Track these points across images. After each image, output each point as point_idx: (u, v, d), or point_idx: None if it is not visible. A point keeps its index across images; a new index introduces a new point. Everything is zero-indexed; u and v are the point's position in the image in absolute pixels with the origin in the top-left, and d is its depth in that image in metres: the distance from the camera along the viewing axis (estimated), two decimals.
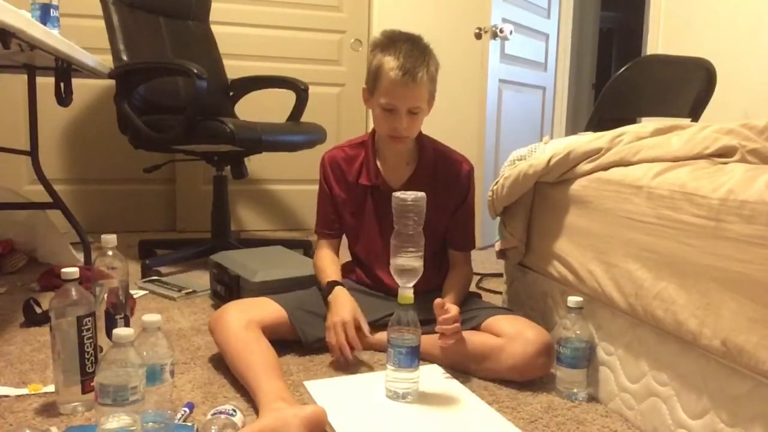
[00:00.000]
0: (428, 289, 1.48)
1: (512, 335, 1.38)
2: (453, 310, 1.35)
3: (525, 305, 1.65)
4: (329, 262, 1.64)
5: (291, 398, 1.18)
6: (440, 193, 1.57)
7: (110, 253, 1.26)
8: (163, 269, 2.28)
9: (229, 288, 1.81)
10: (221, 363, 1.44)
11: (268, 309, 1.49)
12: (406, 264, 1.27)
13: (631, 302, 1.19)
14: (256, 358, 1.29)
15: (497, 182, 1.61)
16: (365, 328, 1.45)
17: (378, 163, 1.62)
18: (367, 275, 1.67)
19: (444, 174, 1.62)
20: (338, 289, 1.52)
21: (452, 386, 1.35)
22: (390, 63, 1.46)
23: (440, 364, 1.45)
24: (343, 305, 1.46)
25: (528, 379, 1.37)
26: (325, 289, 1.55)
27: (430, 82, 1.50)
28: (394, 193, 1.29)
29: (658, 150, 1.30)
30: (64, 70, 2.03)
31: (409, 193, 1.27)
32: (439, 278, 1.63)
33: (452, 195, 1.62)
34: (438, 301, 1.35)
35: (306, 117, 2.63)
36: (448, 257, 1.67)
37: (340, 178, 1.65)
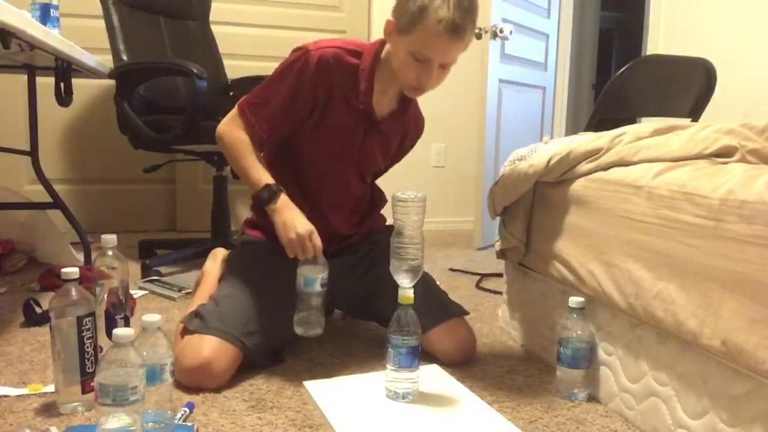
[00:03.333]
0: (350, 235, 1.57)
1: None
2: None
3: (525, 305, 1.65)
4: (254, 155, 1.42)
5: None
6: (400, 135, 1.58)
7: (110, 253, 1.26)
8: (163, 269, 2.28)
9: None
10: None
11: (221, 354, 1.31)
12: (407, 264, 1.27)
13: (631, 302, 1.19)
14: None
15: (497, 182, 1.61)
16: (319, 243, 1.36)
17: (373, 90, 1.45)
18: (312, 213, 1.44)
19: (413, 123, 1.61)
20: (284, 197, 1.38)
21: (452, 386, 1.35)
22: (439, 12, 1.27)
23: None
24: (299, 214, 1.37)
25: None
26: (264, 193, 1.38)
27: (471, 37, 1.37)
28: (394, 193, 1.28)
29: (658, 150, 1.30)
30: (64, 70, 2.03)
31: (410, 193, 1.27)
32: (361, 227, 1.62)
33: (405, 142, 1.63)
34: None
35: None
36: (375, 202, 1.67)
37: (323, 87, 1.41)
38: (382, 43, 1.45)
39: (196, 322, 1.36)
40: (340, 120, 1.46)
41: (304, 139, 1.48)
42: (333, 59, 1.40)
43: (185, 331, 1.37)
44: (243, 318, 1.37)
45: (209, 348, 1.30)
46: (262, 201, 1.39)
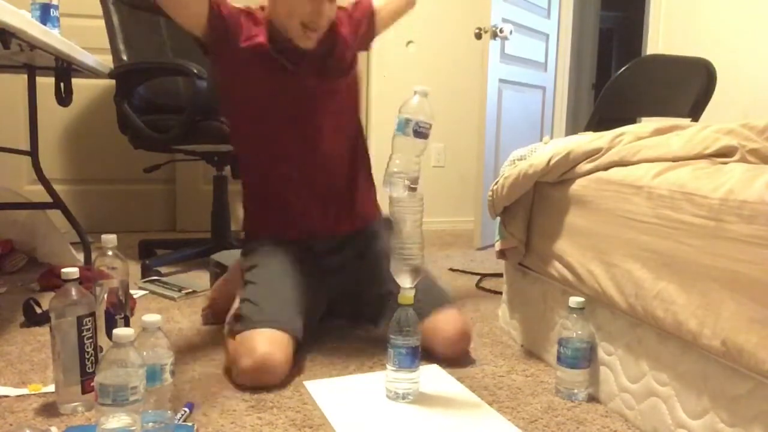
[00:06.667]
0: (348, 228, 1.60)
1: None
2: None
3: (525, 305, 1.65)
4: None
5: None
6: (341, 37, 1.60)
7: (110, 253, 1.26)
8: (163, 269, 2.28)
9: None
10: (221, 362, 1.45)
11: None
12: (408, 264, 1.27)
13: (631, 302, 1.19)
14: None
15: (497, 182, 1.61)
16: None
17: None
18: (286, 220, 1.55)
19: (344, 20, 1.63)
20: None
21: (452, 386, 1.35)
22: None
23: None
24: None
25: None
26: None
27: None
28: (391, 195, 1.28)
29: (658, 150, 1.30)
30: (64, 70, 2.03)
31: (407, 194, 1.27)
32: (356, 212, 1.63)
33: (359, 30, 1.68)
34: None
35: None
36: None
37: (236, 38, 1.49)
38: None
39: (241, 324, 1.38)
40: (260, 72, 1.51)
41: (249, 140, 1.58)
42: (234, 8, 1.51)
43: (232, 335, 1.40)
44: (281, 305, 1.42)
45: (262, 342, 1.32)
46: None
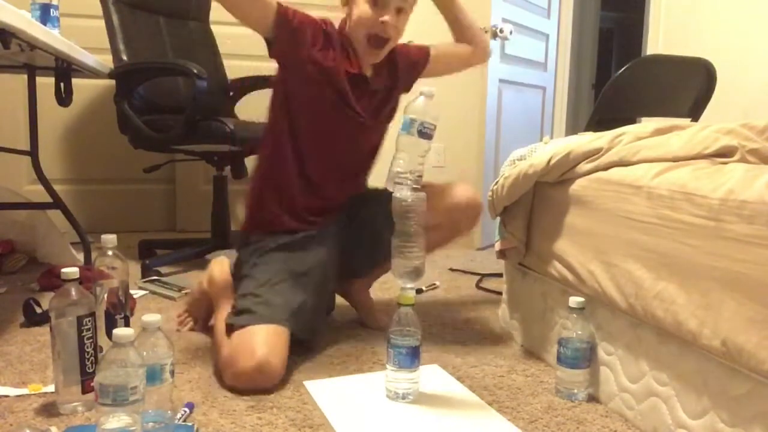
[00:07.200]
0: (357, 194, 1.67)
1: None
2: None
3: (525, 305, 1.65)
4: None
5: None
6: (400, 81, 1.66)
7: (110, 253, 1.26)
8: (163, 269, 2.27)
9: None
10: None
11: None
12: (410, 264, 1.27)
13: (631, 302, 1.19)
14: None
15: (497, 182, 1.61)
16: None
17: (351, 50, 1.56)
18: (316, 197, 1.59)
19: (403, 63, 1.67)
20: None
21: (452, 386, 1.35)
22: None
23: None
24: None
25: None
26: None
27: None
28: (393, 194, 1.28)
29: (658, 150, 1.30)
30: (64, 70, 2.03)
31: (409, 194, 1.27)
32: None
33: (410, 75, 1.72)
34: None
35: None
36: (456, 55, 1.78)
37: (312, 47, 1.50)
38: (342, 25, 1.57)
39: (245, 317, 1.38)
40: (331, 84, 1.53)
41: (301, 134, 1.56)
42: (310, 23, 1.52)
43: (231, 330, 1.39)
44: (286, 300, 1.43)
45: (261, 343, 1.31)
46: None
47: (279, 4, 1.48)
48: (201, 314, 1.69)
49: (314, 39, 1.50)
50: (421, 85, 1.45)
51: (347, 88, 1.53)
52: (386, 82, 1.64)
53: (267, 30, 1.48)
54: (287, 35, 1.48)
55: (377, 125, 1.66)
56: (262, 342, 1.31)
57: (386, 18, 1.47)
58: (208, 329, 1.65)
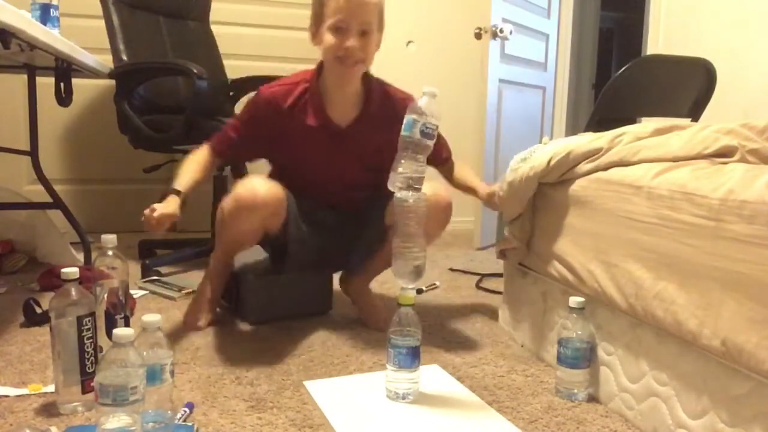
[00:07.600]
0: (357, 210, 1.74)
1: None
2: (488, 188, 1.67)
3: (525, 305, 1.65)
4: (191, 168, 1.66)
5: None
6: (387, 131, 1.56)
7: (110, 253, 1.26)
8: (163, 269, 2.28)
9: (228, 287, 1.81)
10: (221, 362, 1.45)
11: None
12: (411, 264, 1.27)
13: (631, 302, 1.19)
14: None
15: (503, 189, 1.60)
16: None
17: (324, 103, 1.64)
18: (307, 195, 1.72)
19: (391, 113, 1.61)
20: (171, 197, 1.56)
21: (452, 386, 1.35)
22: None
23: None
24: (168, 204, 1.52)
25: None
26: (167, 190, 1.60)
27: (377, 4, 1.56)
28: (395, 195, 1.29)
29: (658, 150, 1.30)
30: (64, 70, 2.03)
31: (410, 194, 1.27)
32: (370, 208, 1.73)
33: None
34: (482, 193, 1.69)
35: None
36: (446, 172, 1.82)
37: (275, 120, 1.64)
38: (320, 64, 1.64)
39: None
40: (304, 139, 1.65)
41: (283, 161, 1.74)
42: (278, 92, 1.64)
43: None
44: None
45: (260, 180, 1.55)
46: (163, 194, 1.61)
47: (236, 136, 1.69)
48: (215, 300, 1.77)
49: (275, 110, 1.63)
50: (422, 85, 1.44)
51: (321, 137, 1.64)
52: (364, 127, 1.67)
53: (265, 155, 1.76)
54: (257, 137, 1.67)
55: (351, 162, 1.70)
56: (261, 180, 1.55)
57: (349, 43, 1.53)
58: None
